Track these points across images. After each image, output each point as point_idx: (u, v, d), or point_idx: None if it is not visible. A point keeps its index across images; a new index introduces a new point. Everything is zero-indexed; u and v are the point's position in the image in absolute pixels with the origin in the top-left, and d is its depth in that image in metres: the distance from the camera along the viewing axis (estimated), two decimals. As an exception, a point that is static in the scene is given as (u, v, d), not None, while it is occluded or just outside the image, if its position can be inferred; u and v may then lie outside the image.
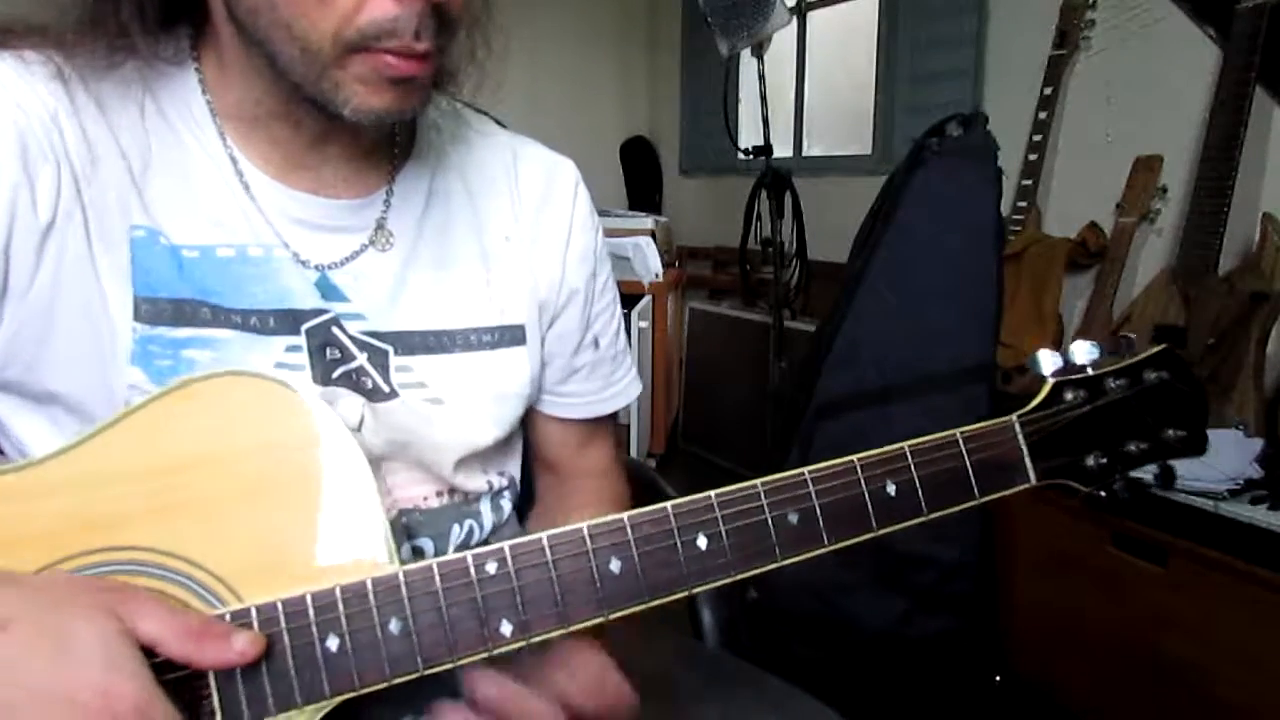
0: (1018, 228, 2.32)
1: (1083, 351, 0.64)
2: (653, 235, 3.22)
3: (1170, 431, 0.65)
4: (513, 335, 0.72)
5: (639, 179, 4.37)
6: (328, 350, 0.64)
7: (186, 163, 0.63)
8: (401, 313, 0.68)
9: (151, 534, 0.53)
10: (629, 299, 3.04)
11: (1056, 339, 2.21)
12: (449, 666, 0.54)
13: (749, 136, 2.68)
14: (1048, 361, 0.64)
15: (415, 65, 0.57)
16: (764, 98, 2.44)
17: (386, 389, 0.66)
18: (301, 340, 0.64)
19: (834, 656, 1.78)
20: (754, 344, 2.93)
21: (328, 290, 0.65)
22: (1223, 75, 1.91)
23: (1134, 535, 1.60)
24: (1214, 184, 1.88)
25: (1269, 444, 1.60)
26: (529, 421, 0.81)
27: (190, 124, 0.63)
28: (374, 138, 0.68)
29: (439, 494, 0.71)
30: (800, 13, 3.45)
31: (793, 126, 3.57)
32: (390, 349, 0.67)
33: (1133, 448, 0.65)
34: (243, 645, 0.49)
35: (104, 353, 0.59)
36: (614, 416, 0.84)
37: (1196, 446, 0.66)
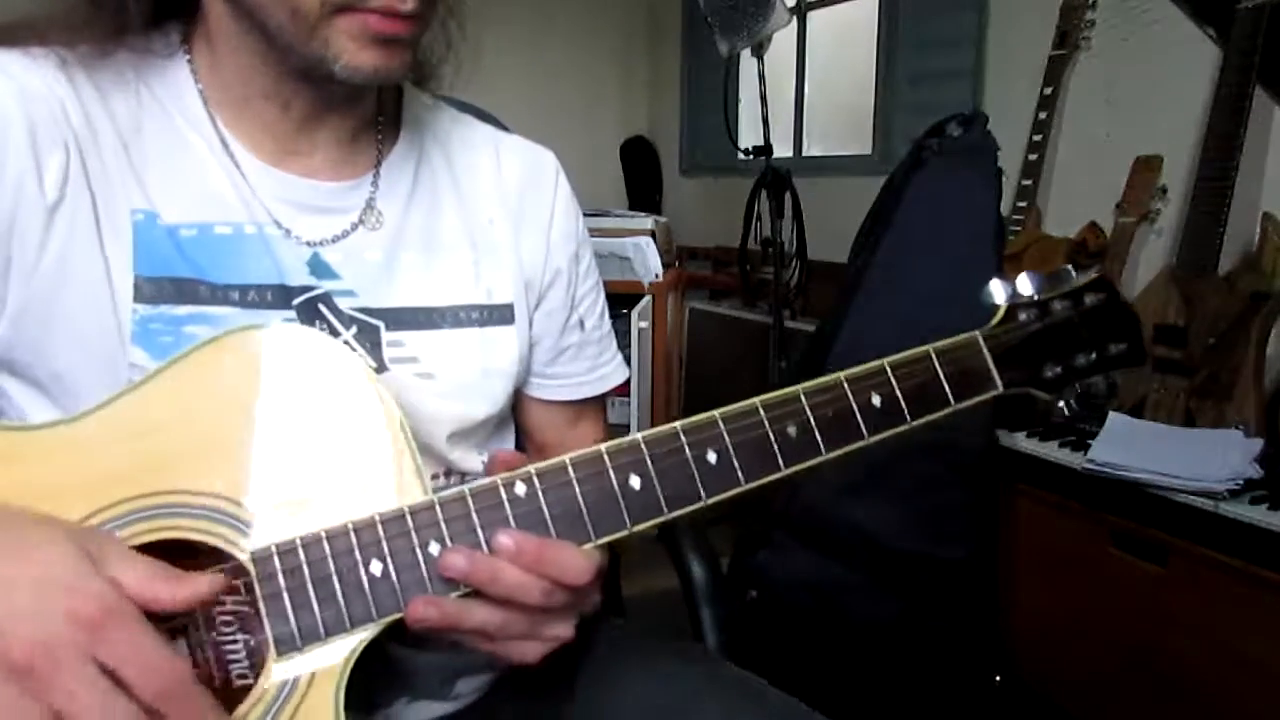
0: (1018, 228, 2.31)
1: (1026, 282, 0.72)
2: (653, 235, 3.21)
3: (1112, 346, 0.73)
4: (501, 314, 0.75)
5: (639, 179, 4.37)
6: (316, 325, 0.66)
7: (181, 146, 0.65)
8: (392, 289, 0.70)
9: (193, 477, 0.55)
10: (629, 299, 3.04)
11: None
12: None
13: (749, 136, 2.68)
14: (998, 291, 0.72)
15: (400, 25, 0.59)
16: (764, 98, 2.43)
17: (374, 364, 0.68)
18: (293, 315, 0.66)
19: (833, 656, 1.78)
20: (754, 344, 2.93)
21: (319, 268, 0.68)
22: (1223, 75, 1.90)
23: (1134, 535, 1.60)
24: (1214, 184, 1.87)
25: (1269, 444, 1.59)
26: (519, 406, 0.82)
27: (183, 110, 0.65)
28: (360, 118, 0.70)
29: (434, 476, 0.72)
30: (800, 13, 3.45)
31: (793, 126, 3.56)
32: (381, 324, 0.69)
33: (1082, 360, 0.72)
34: (209, 578, 0.50)
35: (107, 333, 0.61)
36: (601, 400, 0.86)
37: (1137, 357, 0.74)
